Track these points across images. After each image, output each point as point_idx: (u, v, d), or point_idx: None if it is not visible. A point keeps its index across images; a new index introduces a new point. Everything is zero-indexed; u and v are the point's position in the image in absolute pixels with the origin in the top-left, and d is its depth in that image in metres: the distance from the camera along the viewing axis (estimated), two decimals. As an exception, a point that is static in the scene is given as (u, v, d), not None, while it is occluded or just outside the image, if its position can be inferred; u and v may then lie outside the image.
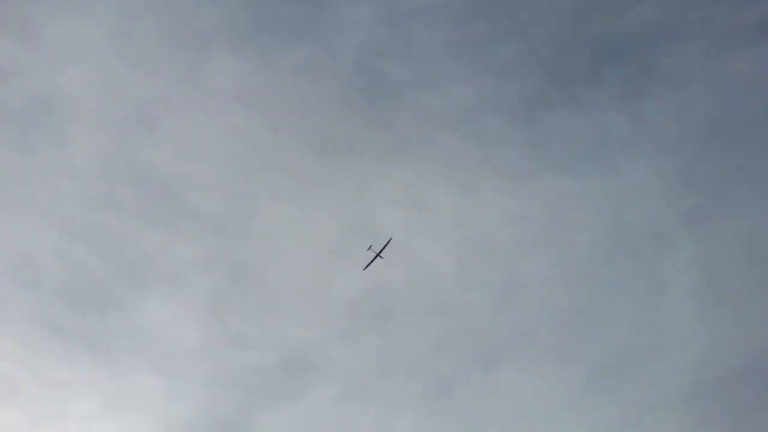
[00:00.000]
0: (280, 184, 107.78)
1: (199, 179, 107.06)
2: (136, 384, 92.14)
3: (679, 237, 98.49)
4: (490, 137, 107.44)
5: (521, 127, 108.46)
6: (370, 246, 67.98)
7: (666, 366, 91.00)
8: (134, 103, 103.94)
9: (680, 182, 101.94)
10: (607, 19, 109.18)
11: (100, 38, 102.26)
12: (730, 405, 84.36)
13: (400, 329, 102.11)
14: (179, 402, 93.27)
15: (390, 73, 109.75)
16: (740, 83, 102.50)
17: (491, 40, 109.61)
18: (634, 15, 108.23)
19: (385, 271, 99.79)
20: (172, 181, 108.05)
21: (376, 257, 69.46)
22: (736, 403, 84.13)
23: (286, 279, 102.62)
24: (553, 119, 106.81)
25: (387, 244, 68.88)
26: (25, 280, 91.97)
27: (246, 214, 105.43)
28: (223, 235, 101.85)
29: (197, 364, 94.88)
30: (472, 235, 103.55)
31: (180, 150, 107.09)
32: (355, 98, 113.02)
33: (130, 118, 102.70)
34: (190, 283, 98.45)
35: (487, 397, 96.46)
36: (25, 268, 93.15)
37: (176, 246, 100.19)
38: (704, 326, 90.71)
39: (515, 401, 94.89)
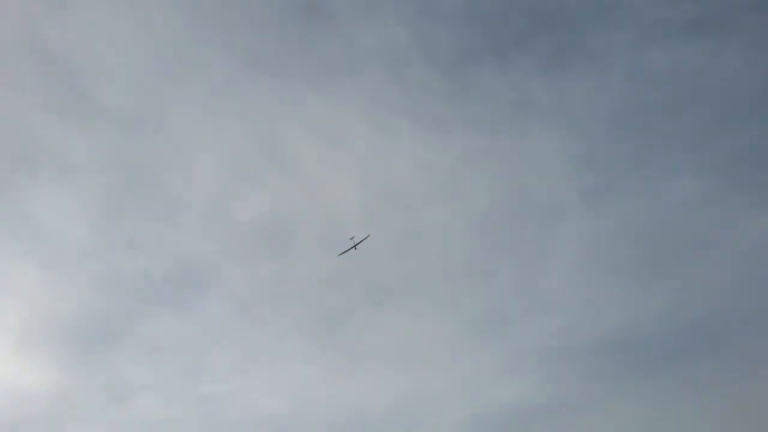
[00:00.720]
0: (196, 90, 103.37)
1: (108, 70, 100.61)
2: (13, 270, 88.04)
3: (572, 211, 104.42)
4: (416, 83, 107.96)
5: (448, 78, 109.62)
6: (352, 237, 70.66)
7: (538, 327, 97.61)
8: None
9: (584, 160, 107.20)
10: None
11: None
12: (587, 370, 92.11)
13: (295, 258, 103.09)
14: (61, 297, 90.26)
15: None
16: (658, 76, 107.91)
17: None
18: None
19: (288, 197, 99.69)
20: (78, 66, 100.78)
21: (352, 248, 72.36)
22: (592, 369, 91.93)
23: (188, 190, 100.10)
24: (479, 76, 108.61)
25: (365, 239, 72.14)
26: None
27: (154, 116, 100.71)
28: (127, 133, 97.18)
29: (84, 262, 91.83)
30: (381, 177, 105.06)
31: (93, 35, 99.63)
32: (289, 16, 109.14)
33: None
34: (85, 178, 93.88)
35: (372, 333, 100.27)
36: None
37: (75, 137, 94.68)
38: (578, 297, 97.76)
39: (398, 340, 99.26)
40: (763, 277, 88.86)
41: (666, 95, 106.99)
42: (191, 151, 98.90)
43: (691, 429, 78.25)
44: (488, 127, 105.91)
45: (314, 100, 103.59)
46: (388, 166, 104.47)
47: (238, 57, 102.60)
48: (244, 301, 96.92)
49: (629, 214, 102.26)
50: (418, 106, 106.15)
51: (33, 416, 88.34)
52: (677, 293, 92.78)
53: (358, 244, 73.18)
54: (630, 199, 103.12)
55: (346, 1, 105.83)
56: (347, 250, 73.07)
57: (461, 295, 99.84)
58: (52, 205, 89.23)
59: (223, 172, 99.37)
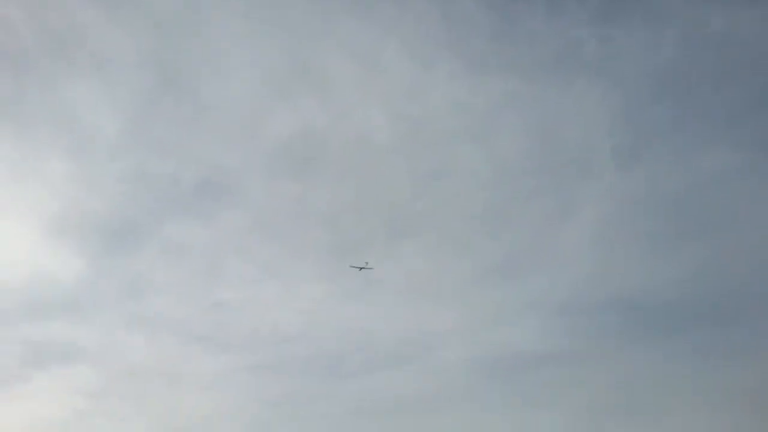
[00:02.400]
0: (238, 1, 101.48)
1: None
2: (48, 161, 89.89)
3: (602, 168, 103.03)
4: (461, 16, 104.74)
5: (495, 16, 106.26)
6: (367, 262, 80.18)
7: (551, 279, 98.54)
8: None
9: (622, 118, 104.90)
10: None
11: None
12: (593, 326, 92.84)
13: (321, 181, 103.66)
14: (87, 191, 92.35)
15: None
16: (712, 40, 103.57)
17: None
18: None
19: (319, 120, 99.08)
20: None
21: (362, 269, 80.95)
22: (599, 326, 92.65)
23: (221, 99, 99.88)
24: (529, 18, 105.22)
25: (370, 268, 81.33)
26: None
27: (195, 20, 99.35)
28: (167, 34, 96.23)
29: (114, 160, 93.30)
30: (414, 110, 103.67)
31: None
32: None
33: None
34: (121, 73, 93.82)
35: (387, 264, 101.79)
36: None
37: (115, 30, 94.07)
38: (597, 255, 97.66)
39: (411, 273, 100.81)
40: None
41: (717, 61, 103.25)
42: (228, 61, 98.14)
43: (686, 393, 79.80)
44: (529, 72, 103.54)
45: (355, 23, 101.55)
46: (421, 100, 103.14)
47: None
48: (265, 217, 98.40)
49: (660, 179, 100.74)
50: (460, 41, 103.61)
51: (57, 300, 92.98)
52: (699, 264, 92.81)
53: (362, 268, 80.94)
54: (663, 163, 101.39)
55: None
56: (358, 267, 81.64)
57: (479, 238, 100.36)
58: (87, 96, 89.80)
59: (257, 86, 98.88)
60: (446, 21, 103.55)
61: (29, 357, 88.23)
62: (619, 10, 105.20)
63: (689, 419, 75.34)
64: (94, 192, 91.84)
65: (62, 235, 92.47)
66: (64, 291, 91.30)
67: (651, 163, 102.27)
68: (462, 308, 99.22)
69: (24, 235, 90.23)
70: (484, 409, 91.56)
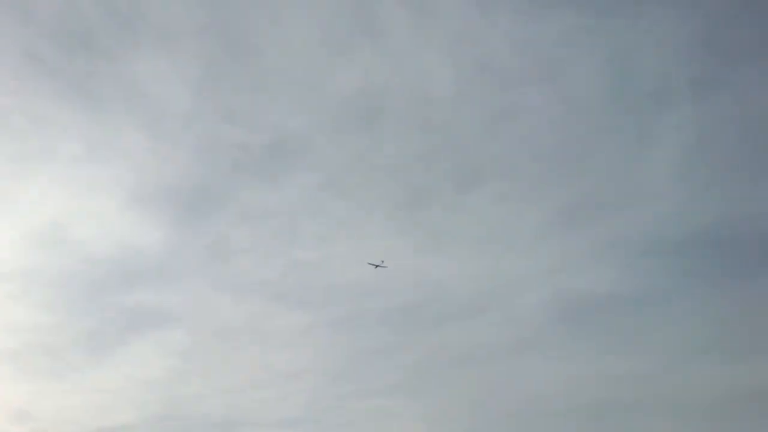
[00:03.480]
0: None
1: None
2: (123, 136, 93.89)
3: (680, 99, 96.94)
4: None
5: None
6: (383, 260, 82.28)
7: (630, 217, 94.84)
8: None
9: (700, 45, 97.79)
10: None
11: None
12: (677, 265, 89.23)
13: (387, 134, 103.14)
14: (164, 162, 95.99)
15: None
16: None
17: None
18: None
19: (380, 73, 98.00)
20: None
21: (377, 266, 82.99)
22: (683, 265, 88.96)
23: (282, 62, 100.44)
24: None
25: (384, 266, 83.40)
26: (13, 15, 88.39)
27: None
28: (225, 2, 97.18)
29: (185, 131, 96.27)
30: (475, 54, 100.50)
31: None
32: None
33: None
34: (186, 47, 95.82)
35: (457, 213, 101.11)
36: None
37: (174, 3, 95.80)
38: (679, 188, 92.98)
39: (483, 222, 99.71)
40: None
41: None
42: (286, 23, 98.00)
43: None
44: (595, 4, 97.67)
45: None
46: (483, 42, 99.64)
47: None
48: (334, 174, 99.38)
49: (744, 106, 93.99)
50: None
51: (145, 269, 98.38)
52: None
53: (378, 266, 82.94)
54: (746, 90, 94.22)
55: None
56: (374, 265, 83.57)
57: (552, 180, 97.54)
58: (155, 73, 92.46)
59: (316, 45, 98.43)
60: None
61: (126, 323, 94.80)
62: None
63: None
64: (169, 163, 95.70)
65: (144, 206, 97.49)
66: (150, 259, 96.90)
67: (736, 89, 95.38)
68: (537, 254, 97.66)
69: (108, 209, 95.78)
70: (564, 356, 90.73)
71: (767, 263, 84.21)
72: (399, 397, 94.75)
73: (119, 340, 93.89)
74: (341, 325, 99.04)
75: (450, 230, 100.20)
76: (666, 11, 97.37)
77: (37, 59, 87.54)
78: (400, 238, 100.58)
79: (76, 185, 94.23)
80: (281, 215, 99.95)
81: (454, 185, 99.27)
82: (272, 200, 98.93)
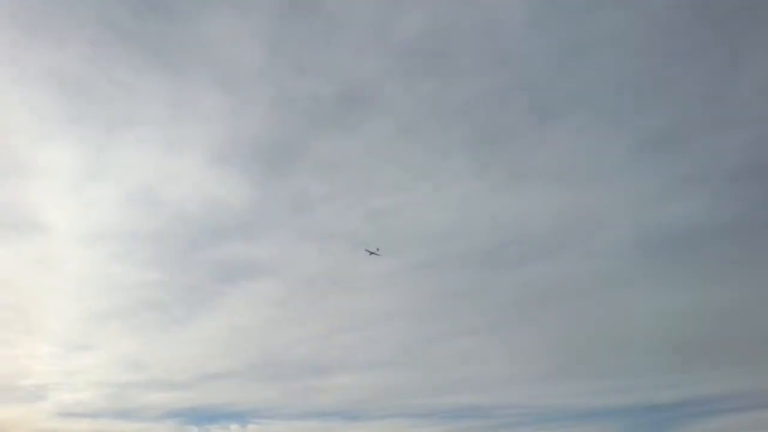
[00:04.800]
0: None
1: None
2: (202, 97, 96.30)
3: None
4: None
5: None
6: (378, 248, 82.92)
7: (722, 142, 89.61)
8: None
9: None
10: None
11: None
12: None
13: (458, 74, 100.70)
14: (242, 120, 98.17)
15: None
16: None
17: None
18: None
19: (447, 12, 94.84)
20: None
21: (372, 254, 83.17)
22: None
23: (347, 10, 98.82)
24: None
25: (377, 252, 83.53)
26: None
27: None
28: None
29: (259, 85, 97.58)
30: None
31: None
32: None
33: None
34: (255, 3, 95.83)
35: (535, 150, 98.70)
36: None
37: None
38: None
39: (563, 157, 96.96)
40: None
41: None
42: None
43: None
44: None
45: None
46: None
47: None
48: (407, 120, 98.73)
49: None
50: None
51: (233, 223, 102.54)
52: None
53: (372, 253, 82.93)
54: None
55: None
56: (369, 252, 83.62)
57: (633, 109, 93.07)
58: (225, 29, 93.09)
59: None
60: None
61: (220, 276, 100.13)
62: None
63: None
64: (247, 119, 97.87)
65: (226, 164, 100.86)
66: (237, 214, 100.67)
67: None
68: (621, 187, 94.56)
69: (194, 168, 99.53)
70: (652, 291, 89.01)
71: None
72: (485, 338, 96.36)
73: (216, 293, 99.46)
74: (424, 269, 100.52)
75: (529, 167, 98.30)
76: None
77: (114, 26, 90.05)
78: (478, 179, 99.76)
79: (163, 147, 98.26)
80: (357, 164, 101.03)
81: (531, 120, 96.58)
82: (347, 149, 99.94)
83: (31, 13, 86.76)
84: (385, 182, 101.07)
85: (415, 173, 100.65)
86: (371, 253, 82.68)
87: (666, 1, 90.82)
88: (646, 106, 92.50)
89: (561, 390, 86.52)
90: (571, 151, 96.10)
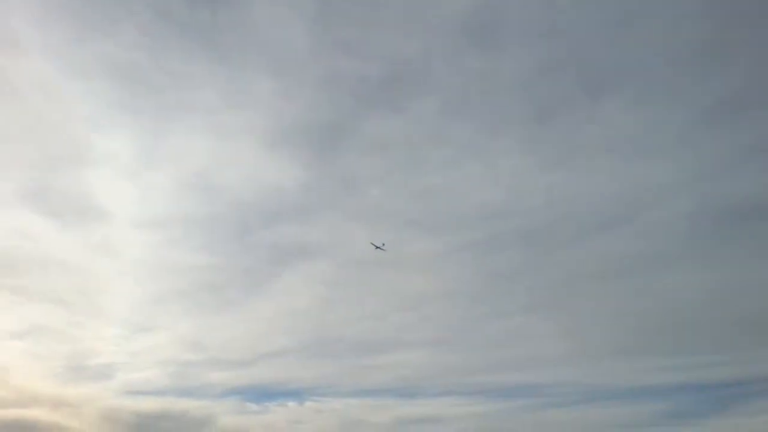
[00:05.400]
0: None
1: None
2: (251, 82, 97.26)
3: None
4: None
5: None
6: (383, 243, 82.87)
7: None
8: None
9: None
10: None
11: None
12: None
13: (506, 49, 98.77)
14: (291, 103, 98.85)
15: None
16: None
17: None
18: None
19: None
20: None
21: (378, 248, 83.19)
22: None
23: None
24: None
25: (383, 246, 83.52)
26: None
27: None
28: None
29: (306, 68, 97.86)
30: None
31: None
32: None
33: None
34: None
35: (588, 124, 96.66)
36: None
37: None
38: None
39: (616, 131, 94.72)
40: None
41: None
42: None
43: None
44: None
45: None
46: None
47: None
48: (455, 97, 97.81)
49: None
50: None
51: (285, 206, 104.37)
52: None
53: (378, 248, 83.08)
54: None
55: None
56: (375, 246, 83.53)
57: (693, 78, 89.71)
58: (271, 12, 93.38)
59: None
60: None
61: (274, 257, 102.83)
62: None
63: None
64: (296, 102, 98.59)
65: (277, 147, 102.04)
66: (289, 197, 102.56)
67: None
68: (677, 160, 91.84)
69: (247, 153, 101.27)
70: (710, 267, 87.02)
71: None
72: (538, 316, 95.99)
73: (270, 274, 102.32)
74: (475, 248, 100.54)
75: (582, 142, 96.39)
76: None
77: (165, 16, 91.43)
78: (528, 156, 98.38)
79: (216, 134, 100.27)
80: (405, 143, 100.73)
81: (582, 94, 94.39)
82: (395, 129, 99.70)
83: (84, 4, 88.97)
84: (433, 161, 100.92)
85: (464, 151, 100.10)
86: (377, 247, 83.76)
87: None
88: (704, 76, 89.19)
89: (614, 368, 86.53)
90: (624, 125, 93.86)
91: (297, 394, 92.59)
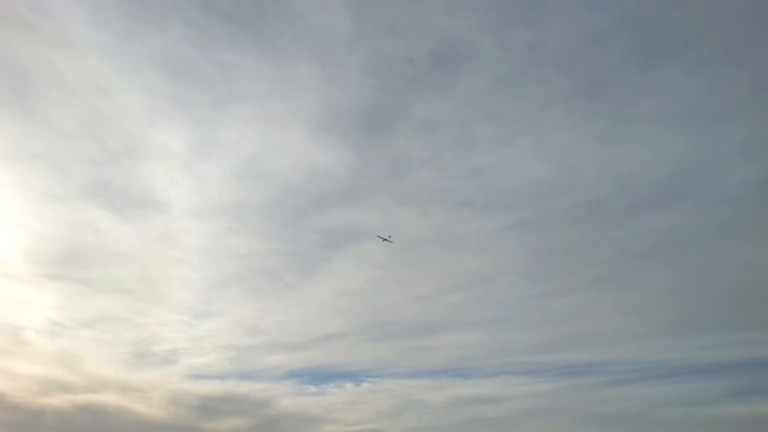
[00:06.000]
0: None
1: None
2: (297, 69, 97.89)
3: None
4: None
5: None
6: (390, 235, 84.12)
7: None
8: None
9: None
10: None
11: None
12: None
13: (554, 20, 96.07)
14: (338, 87, 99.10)
15: None
16: None
17: None
18: None
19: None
20: None
21: (384, 240, 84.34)
22: None
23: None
24: None
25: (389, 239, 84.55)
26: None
27: None
28: None
29: (352, 52, 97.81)
30: None
31: None
32: None
33: None
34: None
35: (642, 95, 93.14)
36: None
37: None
38: None
39: (673, 100, 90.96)
40: None
41: None
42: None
43: None
44: None
45: None
46: None
47: None
48: (503, 73, 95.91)
49: None
50: None
51: (335, 190, 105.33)
52: None
53: (385, 240, 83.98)
54: None
55: None
56: (382, 238, 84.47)
57: (753, 41, 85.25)
58: (315, 2, 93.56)
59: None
60: None
61: (327, 241, 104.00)
62: None
63: None
64: (343, 87, 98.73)
65: (326, 132, 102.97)
66: (339, 181, 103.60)
67: None
68: (742, 128, 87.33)
69: (295, 139, 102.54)
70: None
71: None
72: (596, 293, 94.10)
73: (323, 258, 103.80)
74: (528, 226, 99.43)
75: (636, 113, 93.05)
76: None
77: (211, 9, 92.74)
78: (580, 129, 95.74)
79: (265, 122, 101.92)
80: (455, 122, 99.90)
81: (635, 63, 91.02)
82: (444, 109, 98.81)
83: (133, 3, 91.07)
84: (484, 139, 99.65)
85: (515, 127, 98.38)
86: (384, 239, 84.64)
87: None
88: (763, 40, 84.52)
89: (678, 344, 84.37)
90: (681, 93, 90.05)
91: (353, 375, 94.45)
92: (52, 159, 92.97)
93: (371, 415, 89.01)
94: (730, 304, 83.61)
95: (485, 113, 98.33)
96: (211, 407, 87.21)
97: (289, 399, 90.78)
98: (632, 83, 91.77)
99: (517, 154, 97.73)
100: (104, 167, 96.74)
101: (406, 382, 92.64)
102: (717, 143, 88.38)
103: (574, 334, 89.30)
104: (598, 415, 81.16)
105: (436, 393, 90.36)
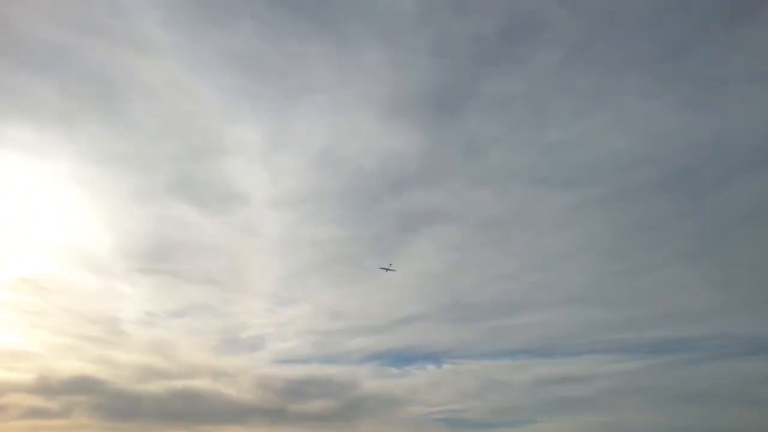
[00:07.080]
0: None
1: None
2: (365, 55, 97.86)
3: None
4: None
5: None
6: (390, 264, 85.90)
7: None
8: None
9: None
10: None
11: None
12: None
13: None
14: (406, 70, 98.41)
15: None
16: None
17: None
18: None
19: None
20: None
21: (387, 270, 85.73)
22: None
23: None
24: None
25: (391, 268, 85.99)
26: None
27: None
28: None
29: (419, 33, 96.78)
30: None
31: None
32: None
33: None
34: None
35: (729, 57, 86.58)
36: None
37: None
38: None
39: (765, 57, 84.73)
40: None
41: None
42: None
43: None
44: None
45: None
46: None
47: None
48: (577, 43, 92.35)
49: None
50: None
51: (409, 173, 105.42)
52: None
53: (387, 269, 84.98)
54: None
55: None
56: (384, 269, 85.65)
57: None
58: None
59: None
60: None
61: (402, 224, 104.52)
62: None
63: None
64: (411, 69, 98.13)
65: (396, 115, 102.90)
66: (412, 164, 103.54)
67: None
68: None
69: (366, 125, 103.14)
70: None
71: None
72: (686, 267, 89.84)
73: (400, 241, 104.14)
74: (609, 200, 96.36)
75: (723, 76, 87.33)
76: None
77: (278, 1, 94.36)
78: (662, 97, 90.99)
79: (335, 109, 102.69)
80: (528, 98, 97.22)
81: (722, 22, 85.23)
82: (516, 85, 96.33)
83: (202, 2, 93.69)
84: (559, 113, 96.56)
85: (592, 99, 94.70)
86: (386, 269, 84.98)
87: None
88: None
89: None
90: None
91: (435, 357, 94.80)
92: (139, 159, 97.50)
93: (454, 396, 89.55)
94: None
95: (559, 86, 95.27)
96: (296, 390, 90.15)
97: (371, 381, 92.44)
98: (717, 44, 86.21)
99: (596, 126, 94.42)
100: (187, 164, 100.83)
101: (487, 362, 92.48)
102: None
103: (663, 311, 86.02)
104: (693, 393, 78.26)
105: (519, 373, 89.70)
